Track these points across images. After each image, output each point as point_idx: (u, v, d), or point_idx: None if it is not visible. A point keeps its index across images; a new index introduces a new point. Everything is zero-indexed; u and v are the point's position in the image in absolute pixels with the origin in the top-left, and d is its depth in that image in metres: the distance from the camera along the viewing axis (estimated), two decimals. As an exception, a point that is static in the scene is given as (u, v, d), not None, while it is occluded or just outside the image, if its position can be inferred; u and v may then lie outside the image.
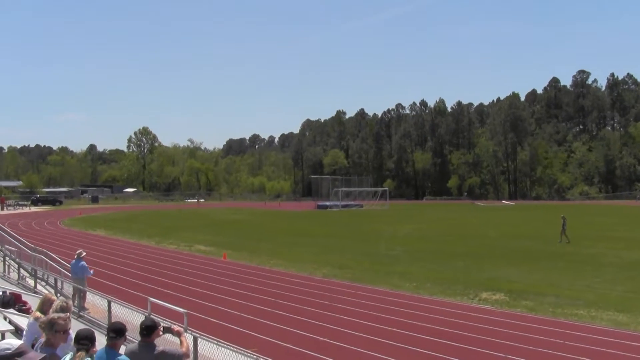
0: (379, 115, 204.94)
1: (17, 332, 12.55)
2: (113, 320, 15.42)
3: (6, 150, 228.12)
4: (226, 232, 56.58)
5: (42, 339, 7.58)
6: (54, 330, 7.14)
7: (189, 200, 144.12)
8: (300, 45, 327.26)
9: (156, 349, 8.25)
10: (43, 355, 6.70)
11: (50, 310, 9.98)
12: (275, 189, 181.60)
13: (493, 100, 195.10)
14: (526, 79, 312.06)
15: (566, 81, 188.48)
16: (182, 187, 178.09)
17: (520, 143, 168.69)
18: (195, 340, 11.24)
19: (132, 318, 14.76)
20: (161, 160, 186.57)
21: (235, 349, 11.33)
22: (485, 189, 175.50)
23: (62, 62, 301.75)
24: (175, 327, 9.08)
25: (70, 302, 9.97)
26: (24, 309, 15.91)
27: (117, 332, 7.75)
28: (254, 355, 11.16)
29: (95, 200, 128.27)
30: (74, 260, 22.56)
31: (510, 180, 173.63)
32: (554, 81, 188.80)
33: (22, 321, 13.17)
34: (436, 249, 41.45)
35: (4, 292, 16.70)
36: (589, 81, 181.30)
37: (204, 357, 11.54)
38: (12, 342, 6.13)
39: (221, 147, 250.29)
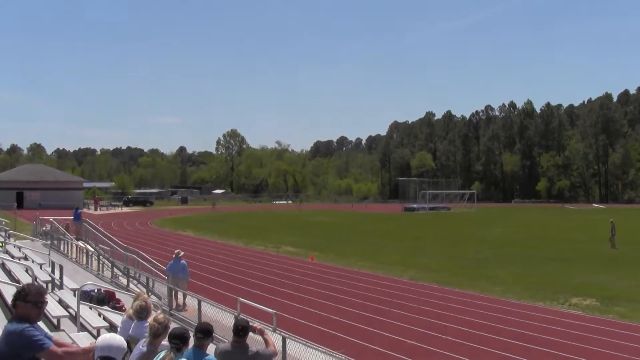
0: (467, 117, 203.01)
1: (111, 328, 12.83)
2: (203, 319, 15.68)
3: (99, 153, 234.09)
4: (313, 233, 56.81)
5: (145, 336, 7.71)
6: (152, 335, 7.27)
7: (278, 202, 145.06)
8: (388, 46, 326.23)
9: (250, 349, 8.30)
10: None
11: (131, 311, 10.19)
12: (362, 191, 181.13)
13: (584, 102, 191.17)
14: (619, 80, 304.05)
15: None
16: (269, 188, 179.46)
17: (612, 145, 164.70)
18: (284, 340, 11.31)
19: (221, 318, 14.97)
20: (249, 162, 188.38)
21: (323, 350, 11.36)
22: (575, 192, 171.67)
23: (152, 67, 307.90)
24: (258, 326, 9.10)
25: (150, 302, 10.09)
26: (117, 307, 16.29)
27: (204, 332, 7.80)
28: (342, 356, 11.18)
29: (184, 201, 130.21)
30: (172, 261, 23.00)
31: (601, 183, 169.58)
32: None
33: (116, 318, 13.48)
34: (525, 253, 40.82)
35: (98, 290, 17.13)
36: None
37: (293, 357, 11.60)
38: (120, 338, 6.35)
39: (309, 149, 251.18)
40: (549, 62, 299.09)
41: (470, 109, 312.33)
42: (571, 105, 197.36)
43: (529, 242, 48.10)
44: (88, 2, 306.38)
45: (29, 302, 6.01)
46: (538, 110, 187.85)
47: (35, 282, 13.20)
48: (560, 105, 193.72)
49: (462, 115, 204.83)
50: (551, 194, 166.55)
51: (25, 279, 15.05)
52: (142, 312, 9.76)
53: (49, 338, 6.13)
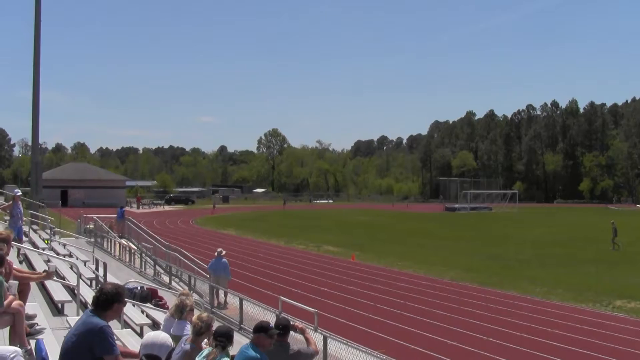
0: (509, 116, 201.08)
1: (154, 325, 12.95)
2: (244, 318, 15.80)
3: (141, 152, 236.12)
4: (354, 233, 56.73)
5: (189, 333, 7.77)
6: (195, 333, 7.34)
7: (319, 201, 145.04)
8: (429, 45, 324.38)
9: (291, 348, 8.32)
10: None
11: (173, 310, 10.28)
12: (403, 190, 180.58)
13: (627, 101, 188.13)
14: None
15: None
16: (310, 188, 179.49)
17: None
18: (325, 340, 11.36)
19: (262, 316, 15.05)
20: (290, 161, 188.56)
21: (364, 350, 11.39)
22: (619, 193, 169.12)
23: (195, 66, 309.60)
24: (299, 324, 9.11)
25: (188, 302, 10.09)
26: (159, 304, 16.45)
27: (261, 329, 7.80)
28: (382, 356, 11.20)
29: (225, 200, 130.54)
30: (214, 259, 23.21)
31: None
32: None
33: (159, 316, 13.62)
34: (567, 254, 40.42)
35: (141, 288, 17.32)
36: None
37: (333, 356, 11.64)
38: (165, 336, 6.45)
39: (349, 148, 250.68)
40: (592, 60, 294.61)
41: (511, 108, 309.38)
42: (615, 105, 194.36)
43: (571, 243, 47.55)
44: (128, 4, 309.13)
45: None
46: (581, 110, 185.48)
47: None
48: (604, 105, 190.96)
49: (503, 115, 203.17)
50: (594, 195, 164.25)
51: (70, 276, 15.22)
52: (179, 311, 9.83)
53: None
